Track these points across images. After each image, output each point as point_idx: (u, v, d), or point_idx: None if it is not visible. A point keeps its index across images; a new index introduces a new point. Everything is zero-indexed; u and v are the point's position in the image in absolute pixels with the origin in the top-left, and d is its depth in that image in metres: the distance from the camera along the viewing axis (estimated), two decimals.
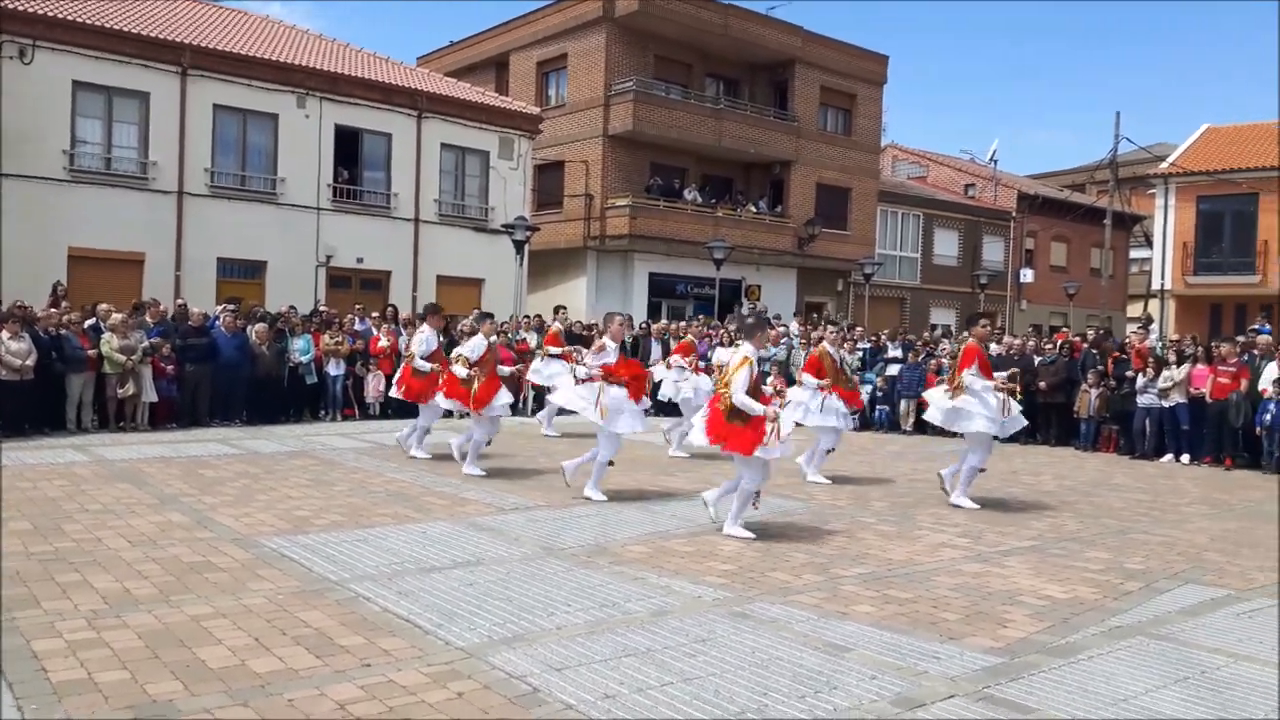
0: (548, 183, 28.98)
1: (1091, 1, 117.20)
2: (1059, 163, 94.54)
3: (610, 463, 9.33)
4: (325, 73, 22.59)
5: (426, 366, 11.45)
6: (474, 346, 10.69)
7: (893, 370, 17.83)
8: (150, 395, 14.04)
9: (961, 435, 9.89)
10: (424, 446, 12.00)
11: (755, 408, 7.48)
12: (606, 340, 9.58)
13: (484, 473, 10.56)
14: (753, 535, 7.70)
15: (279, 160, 21.97)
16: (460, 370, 10.62)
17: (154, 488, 9.21)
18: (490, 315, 11.25)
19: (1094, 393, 15.38)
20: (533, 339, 17.28)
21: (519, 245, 21.42)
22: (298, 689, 4.26)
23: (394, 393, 12.57)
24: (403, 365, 12.23)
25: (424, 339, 11.72)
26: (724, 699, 4.29)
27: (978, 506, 9.48)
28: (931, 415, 9.84)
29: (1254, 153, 30.38)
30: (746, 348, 7.79)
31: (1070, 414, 15.81)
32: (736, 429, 7.57)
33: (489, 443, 10.92)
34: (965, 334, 10.81)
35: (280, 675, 4.41)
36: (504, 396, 10.71)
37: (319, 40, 25.63)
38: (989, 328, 9.99)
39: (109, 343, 13.47)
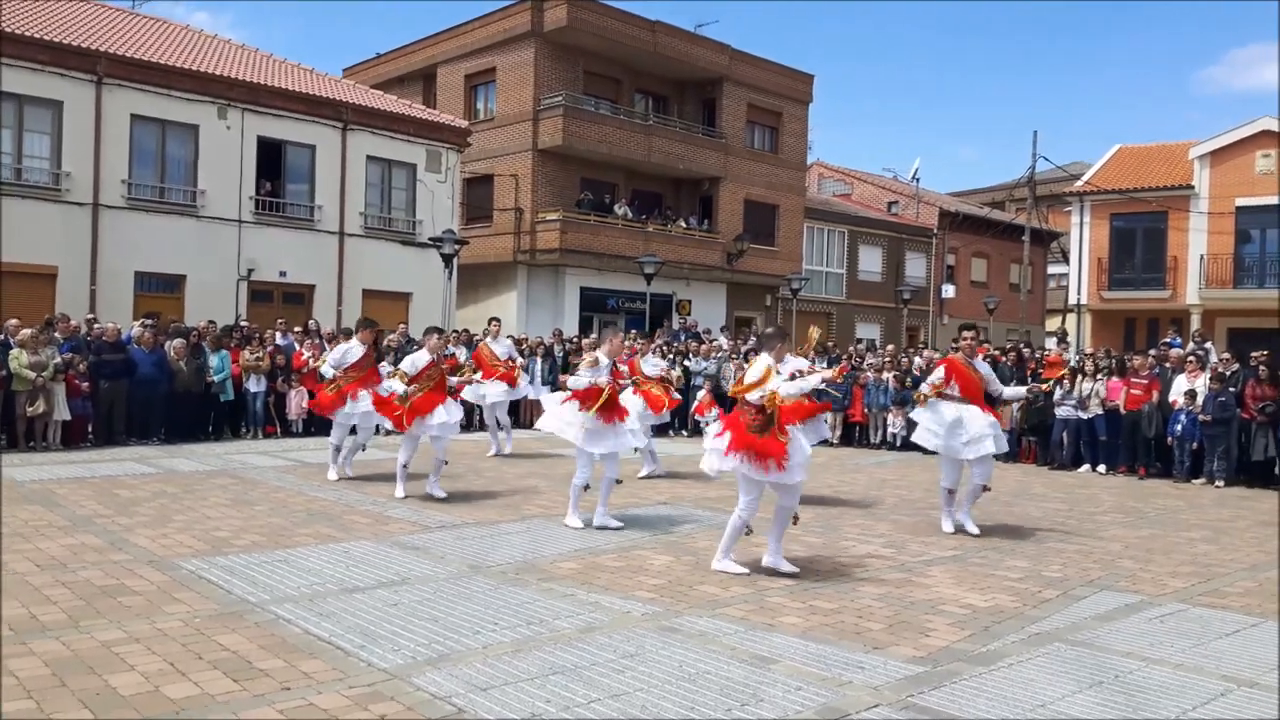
0: (477, 196, 28.83)
1: (1008, 22, 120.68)
2: (979, 181, 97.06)
3: (584, 486, 8.79)
4: (247, 83, 22.19)
5: (330, 373, 11.25)
6: (415, 361, 10.19)
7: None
8: (63, 413, 13.60)
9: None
10: (350, 463, 11.67)
11: (810, 381, 7.10)
12: (600, 355, 8.94)
13: (444, 494, 10.14)
14: (745, 570, 7.10)
15: (199, 172, 21.51)
16: (397, 385, 10.10)
17: (66, 509, 8.90)
18: (440, 330, 10.83)
19: (1014, 404, 15.73)
20: (462, 354, 17.11)
21: (447, 259, 21.25)
22: (214, 714, 4.14)
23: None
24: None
25: (343, 350, 11.49)
26: (651, 714, 4.27)
27: (976, 531, 8.94)
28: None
29: (1163, 172, 31.55)
30: (765, 358, 7.14)
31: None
32: (759, 440, 6.89)
33: (447, 463, 10.35)
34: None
35: (196, 701, 4.28)
36: (441, 415, 10.07)
37: (241, 50, 25.17)
38: (970, 340, 9.11)
39: (18, 359, 13.02)
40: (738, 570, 7.09)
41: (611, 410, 8.75)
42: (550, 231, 26.87)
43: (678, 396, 12.58)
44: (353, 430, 11.57)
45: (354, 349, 11.39)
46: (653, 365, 12.66)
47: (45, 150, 19.65)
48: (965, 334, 9.20)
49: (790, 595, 6.49)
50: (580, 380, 8.69)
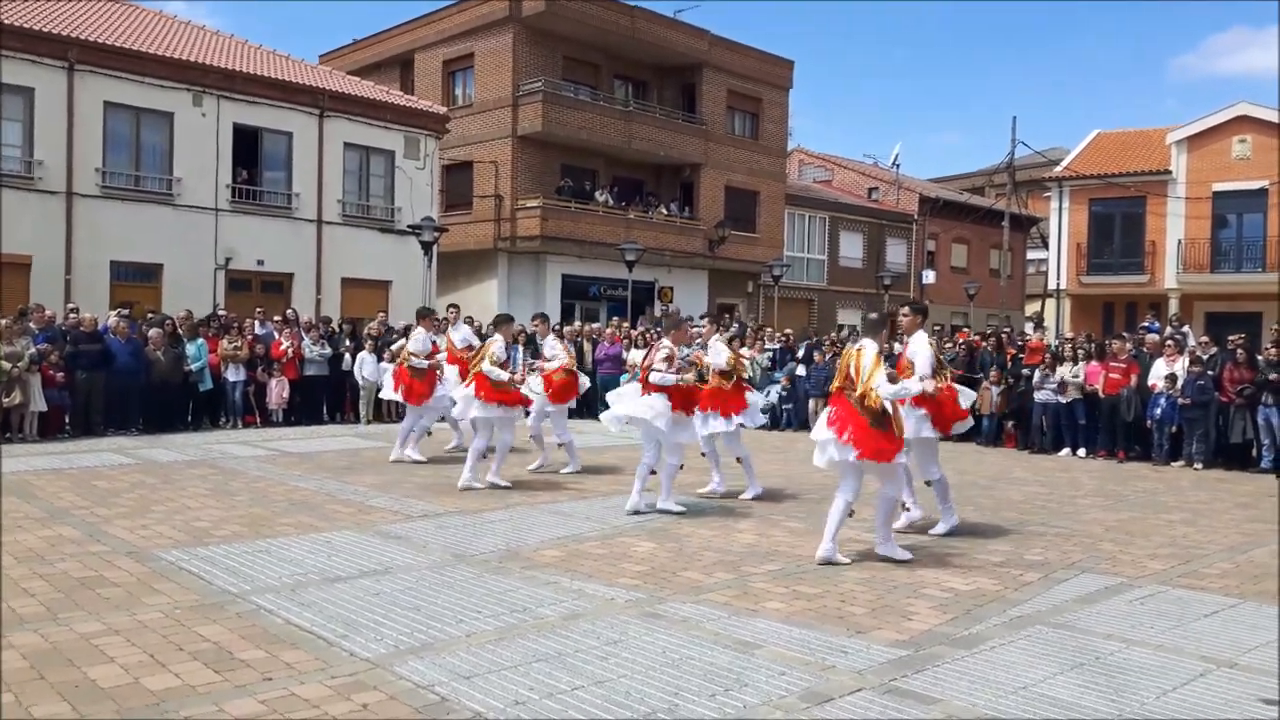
0: (456, 183, 28.67)
1: (987, 9, 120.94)
2: (958, 166, 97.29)
3: (680, 466, 9.04)
4: (223, 70, 21.97)
5: (424, 364, 11.75)
6: (499, 349, 10.18)
7: (801, 371, 18.06)
8: (39, 404, 13.45)
9: None
10: (417, 447, 11.99)
11: (912, 387, 7.00)
12: (670, 344, 8.98)
13: (509, 483, 10.17)
14: (909, 556, 7.14)
15: (175, 160, 21.29)
16: (500, 373, 9.94)
17: (43, 501, 8.82)
18: (511, 317, 11.00)
19: (995, 390, 15.82)
20: (442, 342, 16.97)
21: (427, 247, 21.12)
22: (195, 706, 4.10)
23: (392, 395, 12.31)
24: (396, 366, 12.23)
25: (421, 339, 11.87)
26: (635, 700, 4.27)
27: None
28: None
29: (1140, 157, 31.71)
30: (872, 345, 7.06)
31: (971, 410, 16.16)
32: (882, 436, 6.89)
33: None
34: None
35: (176, 692, 4.25)
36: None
37: (216, 37, 24.89)
38: (900, 316, 8.40)
39: None
40: (902, 555, 7.10)
41: (689, 402, 8.92)
42: (531, 218, 26.77)
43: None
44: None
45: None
46: (551, 348, 11.62)
47: (17, 138, 19.38)
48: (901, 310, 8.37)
49: (773, 580, 6.50)
50: (668, 379, 8.72)
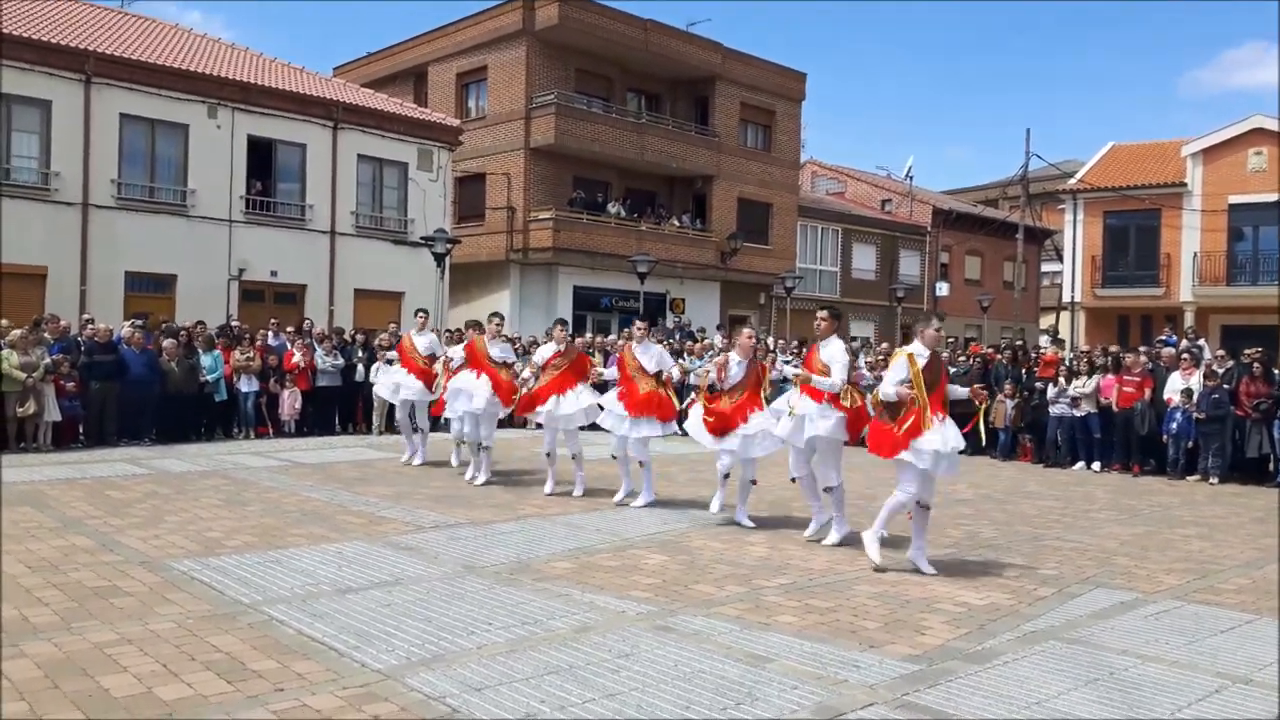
0: (469, 195, 28.77)
1: (1002, 21, 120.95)
2: (972, 179, 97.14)
3: (725, 477, 9.12)
4: (238, 82, 22.12)
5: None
6: (541, 352, 10.84)
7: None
8: (53, 414, 13.52)
9: None
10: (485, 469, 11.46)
11: (891, 394, 7.09)
12: (733, 355, 9.06)
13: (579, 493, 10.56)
14: (881, 562, 7.26)
15: (189, 171, 21.43)
16: (525, 372, 10.70)
17: (56, 510, 8.85)
18: (564, 321, 11.19)
19: (1010, 403, 15.75)
20: (456, 354, 16.96)
21: (439, 258, 21.20)
22: (207, 716, 4.11)
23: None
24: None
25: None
26: (646, 714, 4.26)
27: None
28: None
29: (1155, 169, 31.61)
30: (913, 345, 7.35)
31: (986, 424, 16.07)
32: (883, 428, 7.24)
33: (575, 456, 10.56)
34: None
35: (189, 702, 4.25)
36: (552, 404, 10.26)
37: (231, 49, 25.09)
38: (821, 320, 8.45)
39: (8, 359, 12.95)
40: (875, 554, 7.27)
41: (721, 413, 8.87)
42: (543, 230, 26.84)
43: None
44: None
45: (458, 351, 11.95)
46: (501, 350, 11.25)
47: (34, 150, 19.55)
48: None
49: (785, 594, 6.48)
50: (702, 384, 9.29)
